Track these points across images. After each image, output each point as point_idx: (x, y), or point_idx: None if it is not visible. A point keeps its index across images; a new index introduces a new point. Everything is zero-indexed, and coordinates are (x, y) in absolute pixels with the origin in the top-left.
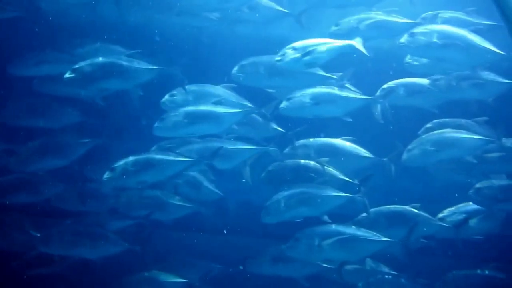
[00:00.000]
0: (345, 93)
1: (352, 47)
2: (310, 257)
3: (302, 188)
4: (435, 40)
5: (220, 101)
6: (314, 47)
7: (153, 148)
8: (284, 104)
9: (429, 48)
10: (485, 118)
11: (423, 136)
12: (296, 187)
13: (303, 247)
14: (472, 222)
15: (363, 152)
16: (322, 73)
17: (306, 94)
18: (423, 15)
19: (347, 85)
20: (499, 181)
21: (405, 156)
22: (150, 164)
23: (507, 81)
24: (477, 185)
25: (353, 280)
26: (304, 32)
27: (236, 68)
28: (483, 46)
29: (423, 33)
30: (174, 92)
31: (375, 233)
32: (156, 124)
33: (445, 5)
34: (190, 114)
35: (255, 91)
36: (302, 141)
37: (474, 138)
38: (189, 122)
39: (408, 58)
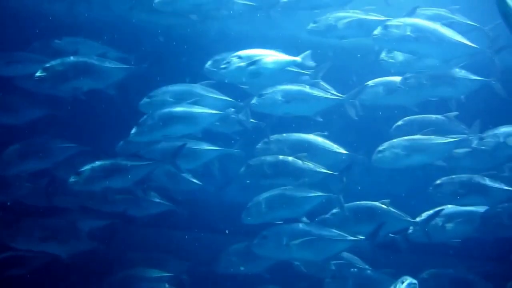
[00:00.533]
0: (316, 92)
1: (296, 63)
2: (277, 255)
3: (282, 190)
4: (408, 33)
5: (197, 101)
6: (260, 58)
7: (120, 143)
8: (255, 100)
9: (402, 41)
10: (456, 113)
11: (395, 140)
12: (276, 189)
13: (270, 245)
14: (449, 225)
15: (335, 147)
16: (295, 69)
17: (278, 91)
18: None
19: (321, 83)
20: (459, 177)
21: (375, 157)
22: (116, 168)
23: (479, 78)
24: (437, 181)
25: (320, 273)
26: (280, 29)
27: (209, 63)
28: (456, 40)
29: (396, 26)
30: (152, 94)
31: (341, 233)
32: (133, 131)
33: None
34: (165, 117)
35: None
36: (275, 136)
37: (445, 142)
38: (165, 125)
39: (383, 55)
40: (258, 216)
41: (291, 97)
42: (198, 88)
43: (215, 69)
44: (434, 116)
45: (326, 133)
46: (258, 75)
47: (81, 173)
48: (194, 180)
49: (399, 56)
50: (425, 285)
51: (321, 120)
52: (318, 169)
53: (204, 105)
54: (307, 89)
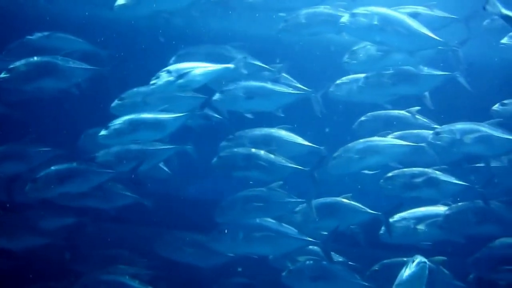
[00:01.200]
0: (278, 88)
1: (228, 70)
2: (233, 250)
3: (256, 191)
4: (375, 22)
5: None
6: (189, 70)
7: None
8: (217, 97)
9: (369, 30)
10: (418, 107)
11: (349, 144)
12: (250, 191)
13: (226, 240)
14: (420, 227)
15: (300, 140)
16: (259, 63)
17: (239, 87)
18: None
19: (288, 77)
20: (411, 170)
21: (330, 163)
22: (72, 175)
23: (442, 73)
24: (389, 174)
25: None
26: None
27: (173, 58)
28: (422, 32)
29: (364, 15)
30: (123, 96)
31: (297, 231)
32: (101, 133)
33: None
34: (133, 122)
35: None
36: (239, 132)
37: (399, 144)
38: (133, 129)
39: (346, 58)
40: (231, 215)
41: (253, 93)
42: None
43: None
44: (397, 111)
45: (289, 126)
46: (188, 87)
47: (37, 180)
48: (165, 169)
49: (362, 56)
50: (375, 276)
51: (283, 115)
52: (289, 164)
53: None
54: (268, 84)
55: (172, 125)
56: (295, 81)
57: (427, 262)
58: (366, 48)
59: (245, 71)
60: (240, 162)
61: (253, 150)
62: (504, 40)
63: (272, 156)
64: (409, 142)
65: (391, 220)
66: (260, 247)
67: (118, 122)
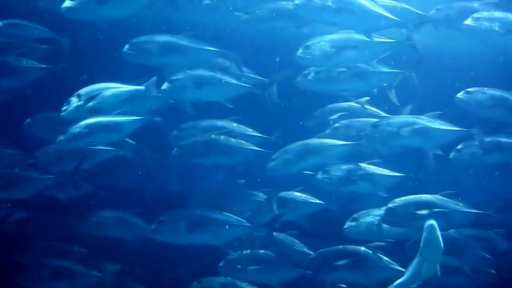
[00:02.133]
0: (227, 78)
1: (140, 92)
2: (175, 240)
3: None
4: (329, 3)
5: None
6: (99, 93)
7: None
8: (165, 85)
9: (323, 11)
10: (367, 98)
11: (288, 145)
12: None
13: (168, 231)
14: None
15: (249, 131)
16: (212, 48)
17: (189, 76)
18: None
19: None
20: (345, 164)
21: (269, 165)
22: (13, 181)
23: (391, 70)
24: (325, 168)
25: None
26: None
27: (127, 46)
28: (377, 12)
29: None
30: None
31: (239, 219)
32: (58, 138)
33: None
34: (90, 125)
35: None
36: (189, 123)
37: (338, 144)
38: (90, 132)
39: (300, 52)
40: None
41: (201, 82)
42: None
43: (132, 52)
44: (346, 103)
45: (239, 117)
46: (99, 110)
47: None
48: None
49: (316, 51)
50: (311, 264)
51: (231, 106)
52: (249, 147)
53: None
54: (218, 74)
55: (129, 127)
56: (250, 71)
57: (435, 223)
58: (320, 43)
59: (155, 93)
60: (201, 149)
61: (213, 136)
62: (468, 21)
63: (232, 140)
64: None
65: (356, 216)
66: (202, 236)
67: (74, 126)
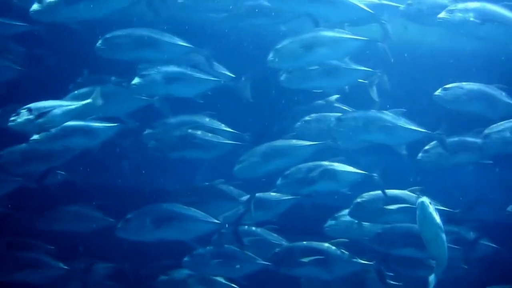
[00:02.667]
0: (198, 74)
1: (89, 105)
2: (142, 237)
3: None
4: None
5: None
6: (49, 110)
7: None
8: (136, 81)
9: (296, 2)
10: (336, 96)
11: (254, 148)
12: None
13: (134, 228)
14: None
15: (223, 126)
16: (184, 43)
17: (159, 72)
18: None
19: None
20: (305, 165)
21: (236, 167)
22: None
23: (362, 68)
24: (286, 172)
25: None
26: None
27: (99, 41)
28: (352, 2)
29: None
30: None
31: (206, 214)
32: (32, 137)
33: None
34: (65, 128)
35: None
36: (161, 120)
37: (303, 145)
38: (65, 136)
39: (270, 57)
40: None
41: (172, 78)
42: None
43: (105, 47)
44: (320, 101)
45: (213, 113)
46: (48, 127)
47: None
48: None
49: (286, 54)
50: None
51: (202, 101)
52: (226, 141)
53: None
54: (188, 70)
55: (104, 134)
56: (222, 67)
57: (426, 201)
58: (289, 45)
59: (100, 102)
60: (177, 142)
61: (190, 130)
62: (442, 15)
63: (209, 134)
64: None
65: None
66: (168, 232)
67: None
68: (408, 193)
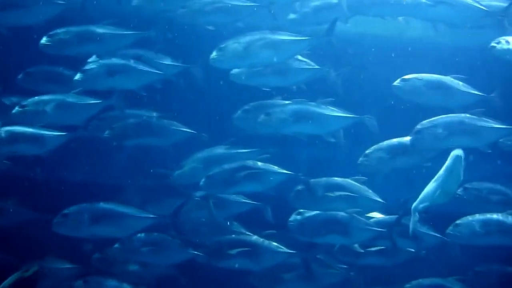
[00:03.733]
0: (141, 66)
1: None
2: (79, 233)
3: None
4: None
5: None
6: None
7: None
8: (78, 76)
9: None
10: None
11: (196, 154)
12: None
13: (70, 224)
14: None
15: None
16: (127, 31)
17: (101, 65)
18: None
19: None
20: (230, 165)
21: (175, 173)
22: None
23: (314, 67)
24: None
25: None
26: None
27: (44, 38)
28: None
29: None
30: (25, 103)
31: (143, 211)
32: None
33: None
34: (13, 134)
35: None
36: (108, 113)
37: (243, 152)
38: (12, 141)
39: (213, 55)
40: None
41: (114, 71)
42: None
43: (50, 43)
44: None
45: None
46: None
47: None
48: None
49: (230, 53)
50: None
51: (145, 94)
52: (184, 129)
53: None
54: (131, 62)
55: (52, 142)
56: (170, 59)
57: (462, 155)
58: (233, 45)
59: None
60: (132, 130)
61: (145, 117)
62: None
63: (165, 121)
64: None
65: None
66: (105, 229)
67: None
68: (351, 181)
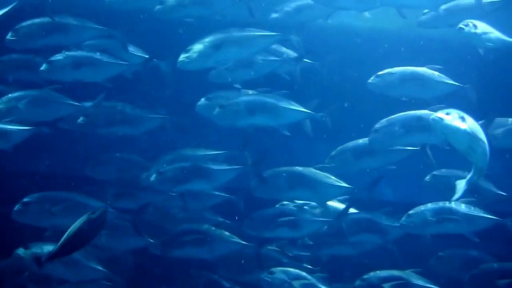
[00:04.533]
0: (106, 58)
1: None
2: (39, 223)
3: None
4: None
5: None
6: None
7: None
8: (44, 67)
9: None
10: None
11: (163, 156)
12: None
13: (31, 213)
14: None
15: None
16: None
17: (66, 57)
18: None
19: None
20: (180, 164)
21: (143, 175)
22: None
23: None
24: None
25: None
26: None
27: (10, 33)
28: None
29: None
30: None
31: (103, 203)
32: None
33: None
34: None
35: None
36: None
37: (208, 154)
38: None
39: (181, 57)
40: None
41: (79, 63)
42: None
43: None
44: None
45: None
46: None
47: None
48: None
49: (195, 54)
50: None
51: (111, 85)
52: (151, 115)
53: None
54: (96, 55)
55: (17, 137)
56: (140, 52)
57: (435, 116)
58: (199, 45)
59: None
60: (105, 118)
61: (118, 106)
62: None
63: (137, 109)
64: None
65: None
66: (65, 219)
67: None
68: (313, 170)
